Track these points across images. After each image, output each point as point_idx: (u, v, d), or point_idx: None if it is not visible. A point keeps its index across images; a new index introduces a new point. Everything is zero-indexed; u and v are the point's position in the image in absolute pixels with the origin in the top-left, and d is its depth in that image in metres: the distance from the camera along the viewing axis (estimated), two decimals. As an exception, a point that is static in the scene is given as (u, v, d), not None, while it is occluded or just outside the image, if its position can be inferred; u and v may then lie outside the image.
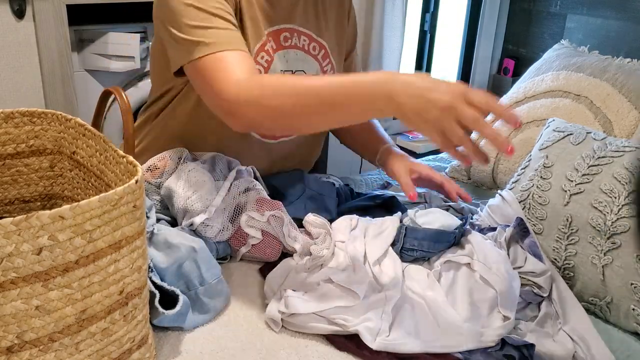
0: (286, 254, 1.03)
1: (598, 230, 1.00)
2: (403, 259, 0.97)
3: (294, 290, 0.90)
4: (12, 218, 0.57)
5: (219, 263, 0.96)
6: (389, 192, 1.34)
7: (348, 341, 0.84)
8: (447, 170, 1.65)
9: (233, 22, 1.00)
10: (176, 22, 0.97)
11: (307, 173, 1.29)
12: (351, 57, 1.33)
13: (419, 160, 1.64)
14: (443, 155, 1.81)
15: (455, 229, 1.00)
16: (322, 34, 1.19)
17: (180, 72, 1.01)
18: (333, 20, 1.23)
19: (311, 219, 1.03)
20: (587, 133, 1.14)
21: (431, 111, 0.76)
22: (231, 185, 1.03)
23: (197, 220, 0.96)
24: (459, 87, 0.77)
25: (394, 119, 2.28)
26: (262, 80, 0.95)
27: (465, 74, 2.49)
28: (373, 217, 1.24)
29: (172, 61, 1.02)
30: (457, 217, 1.31)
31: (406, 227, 1.00)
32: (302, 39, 1.15)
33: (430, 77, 0.81)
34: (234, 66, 0.94)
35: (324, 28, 1.20)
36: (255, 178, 1.11)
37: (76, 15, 1.56)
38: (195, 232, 0.98)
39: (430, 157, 1.79)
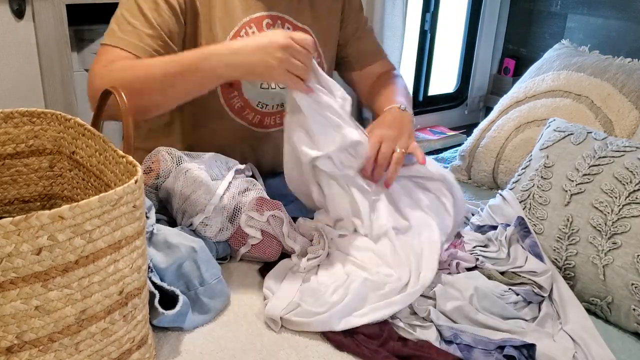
0: (286, 254, 1.03)
1: (599, 230, 1.00)
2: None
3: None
4: (11, 218, 0.56)
5: (219, 263, 0.96)
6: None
7: (348, 341, 0.84)
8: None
9: (159, 28, 1.02)
10: (119, 8, 1.04)
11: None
12: (358, 34, 1.32)
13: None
14: (443, 155, 1.81)
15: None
16: (307, 21, 1.18)
17: None
18: (324, 7, 1.22)
19: (301, 222, 1.03)
20: (588, 133, 1.14)
21: (274, 53, 0.88)
22: (230, 184, 1.03)
23: (196, 220, 0.96)
24: (283, 31, 0.92)
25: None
26: (115, 65, 0.98)
27: (465, 74, 2.48)
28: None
29: None
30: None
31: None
32: (287, 26, 1.15)
33: (256, 35, 0.94)
34: (109, 59, 0.99)
35: (309, 15, 1.19)
36: (254, 177, 1.11)
37: (76, 15, 1.56)
38: (194, 232, 0.97)
39: (431, 157, 1.79)
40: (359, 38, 1.32)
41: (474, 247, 1.04)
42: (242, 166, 1.10)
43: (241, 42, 0.93)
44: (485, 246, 1.05)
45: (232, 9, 1.09)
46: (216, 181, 1.03)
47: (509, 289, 0.96)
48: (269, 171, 1.24)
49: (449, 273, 1.00)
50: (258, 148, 1.22)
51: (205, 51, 0.95)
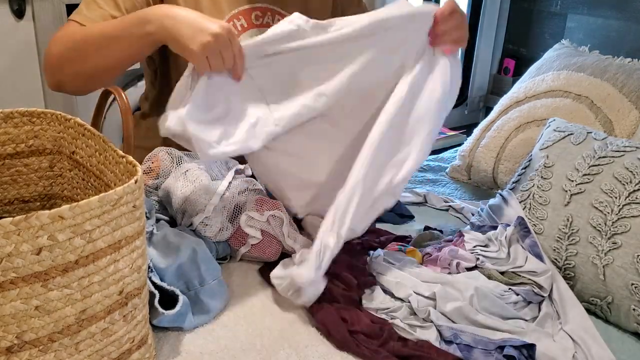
0: (285, 254, 1.03)
1: (599, 230, 1.00)
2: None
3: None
4: (11, 218, 0.56)
5: (219, 263, 0.96)
6: (389, 192, 1.34)
7: (348, 341, 0.84)
8: (447, 171, 1.65)
9: (122, 8, 1.02)
10: None
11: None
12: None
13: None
14: (443, 155, 1.81)
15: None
16: (296, 11, 1.17)
17: None
18: (314, 1, 1.21)
19: (309, 219, 1.03)
20: (588, 133, 1.14)
21: (204, 36, 0.87)
22: (230, 184, 1.03)
23: (196, 219, 0.96)
24: (228, 25, 0.90)
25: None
26: (63, 32, 1.00)
27: (465, 74, 2.48)
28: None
29: None
30: (456, 216, 1.31)
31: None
32: (277, 18, 1.14)
33: (204, 15, 0.92)
34: (69, 32, 0.99)
35: (299, 6, 1.18)
36: (254, 177, 1.11)
37: (76, 15, 1.56)
38: (194, 232, 0.97)
39: (431, 157, 1.79)
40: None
41: (474, 246, 1.04)
42: (242, 166, 1.10)
43: (185, 13, 0.92)
44: (485, 246, 1.05)
45: (218, 1, 1.09)
46: (216, 181, 1.03)
47: (509, 289, 0.96)
48: None
49: (449, 273, 1.00)
50: None
51: (146, 11, 0.95)
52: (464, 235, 1.07)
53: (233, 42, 0.90)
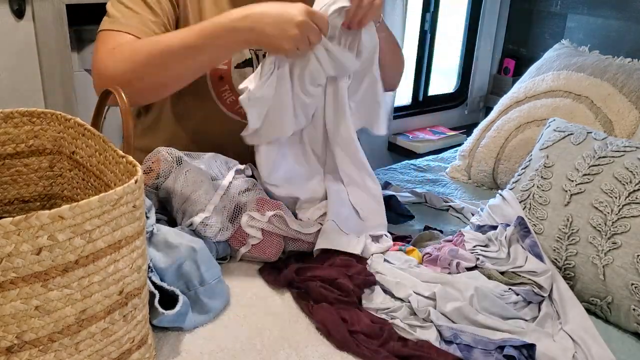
0: (285, 254, 1.03)
1: (598, 230, 1.00)
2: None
3: None
4: (11, 218, 0.56)
5: (219, 263, 0.96)
6: (389, 192, 1.34)
7: (348, 341, 0.84)
8: (447, 170, 1.65)
9: (159, 14, 1.02)
10: None
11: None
12: None
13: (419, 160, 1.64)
14: (443, 155, 1.81)
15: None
16: None
17: None
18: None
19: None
20: (588, 133, 1.14)
21: (291, 29, 0.90)
22: (230, 184, 1.03)
23: (197, 219, 0.96)
24: (305, 6, 0.91)
25: (394, 118, 2.28)
26: (125, 45, 0.97)
27: (465, 74, 2.48)
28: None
29: None
30: (456, 216, 1.31)
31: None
32: None
33: (277, 3, 0.93)
34: (117, 42, 0.98)
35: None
36: (254, 177, 1.11)
37: (76, 15, 1.56)
38: (195, 232, 0.97)
39: (431, 157, 1.79)
40: None
41: (474, 246, 1.04)
42: (242, 166, 1.10)
43: (260, 9, 0.92)
44: (485, 246, 1.05)
45: (221, 2, 1.09)
46: (216, 181, 1.03)
47: (509, 289, 0.96)
48: None
49: (449, 272, 1.00)
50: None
51: (227, 18, 0.93)
52: (464, 235, 1.07)
53: (316, 21, 0.91)
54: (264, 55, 1.12)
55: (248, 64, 1.13)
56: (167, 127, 1.18)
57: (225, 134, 1.15)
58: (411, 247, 1.07)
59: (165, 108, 1.17)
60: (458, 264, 1.00)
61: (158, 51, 0.94)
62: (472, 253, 1.03)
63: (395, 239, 1.13)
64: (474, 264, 1.02)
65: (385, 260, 1.02)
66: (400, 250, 1.06)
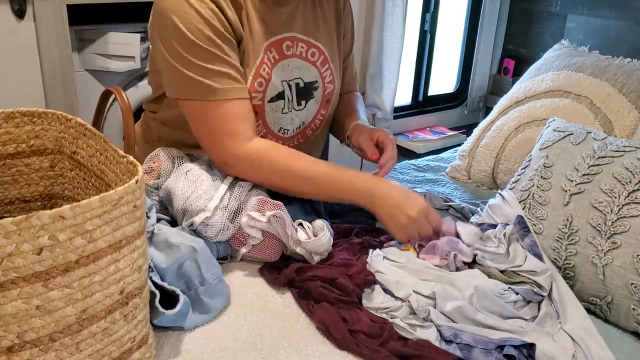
0: (285, 254, 1.03)
1: (598, 230, 1.00)
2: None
3: None
4: (12, 218, 0.57)
5: (220, 263, 0.96)
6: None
7: (348, 340, 0.84)
8: (447, 170, 1.65)
9: (233, 54, 1.02)
10: (176, 52, 0.98)
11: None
12: (348, 60, 1.32)
13: (419, 160, 1.64)
14: (443, 155, 1.81)
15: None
16: (320, 39, 1.18)
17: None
18: (331, 23, 1.22)
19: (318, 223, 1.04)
20: (588, 133, 1.14)
21: (401, 219, 1.02)
22: (231, 184, 1.03)
23: (197, 219, 0.96)
24: (423, 204, 1.03)
25: (394, 118, 2.28)
26: (264, 157, 1.04)
27: (465, 74, 2.49)
28: (373, 216, 1.24)
29: (167, 87, 1.05)
30: (456, 216, 1.31)
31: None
32: (300, 45, 1.14)
33: (405, 189, 1.05)
34: (238, 122, 1.03)
35: (322, 33, 1.18)
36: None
37: (76, 15, 1.56)
38: (195, 232, 0.98)
39: (431, 157, 1.79)
40: (345, 68, 1.32)
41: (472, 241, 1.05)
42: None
43: (387, 190, 1.03)
44: (481, 239, 1.05)
45: (256, 33, 1.07)
46: (217, 181, 1.03)
47: (509, 288, 0.96)
48: None
49: (447, 264, 1.00)
50: None
51: (355, 187, 1.04)
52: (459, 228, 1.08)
53: (430, 219, 1.03)
54: (297, 85, 1.14)
55: (280, 97, 1.12)
56: (176, 139, 1.18)
57: None
58: (407, 246, 1.06)
59: (174, 124, 1.16)
60: (455, 256, 1.01)
61: (289, 181, 1.05)
62: (469, 247, 1.03)
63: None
64: (470, 259, 1.02)
65: (385, 258, 1.02)
66: (395, 246, 1.06)
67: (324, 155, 2.06)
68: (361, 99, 1.39)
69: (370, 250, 1.04)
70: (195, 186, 0.99)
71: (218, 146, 1.03)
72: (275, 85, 1.10)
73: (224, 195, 1.01)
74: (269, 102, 1.11)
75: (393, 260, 1.01)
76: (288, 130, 1.17)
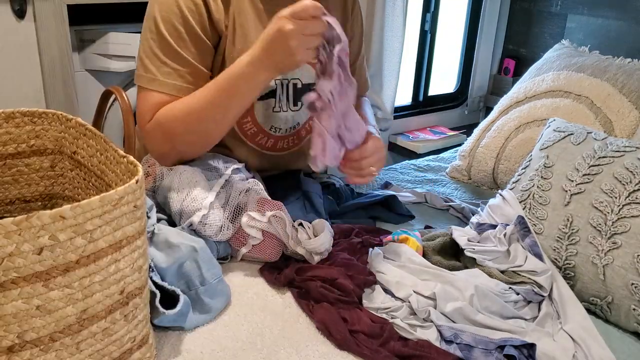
0: (285, 254, 1.03)
1: (598, 230, 1.00)
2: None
3: None
4: (12, 218, 0.57)
5: (220, 263, 0.96)
6: (389, 192, 1.34)
7: (349, 340, 0.84)
8: (447, 170, 1.65)
9: (195, 57, 1.03)
10: (147, 41, 1.03)
11: (303, 174, 1.28)
12: (355, 65, 1.31)
13: (418, 160, 1.64)
14: (444, 155, 1.81)
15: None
16: None
17: None
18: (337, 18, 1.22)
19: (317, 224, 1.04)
20: (588, 133, 1.14)
21: (292, 44, 0.87)
22: (226, 182, 1.03)
23: (195, 218, 0.96)
24: (282, 14, 0.87)
25: (394, 118, 2.28)
26: (158, 116, 1.01)
27: (465, 74, 2.48)
28: (374, 216, 1.25)
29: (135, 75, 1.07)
30: (457, 216, 1.31)
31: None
32: None
33: (266, 30, 0.90)
34: (154, 109, 1.02)
35: None
36: (254, 177, 1.11)
37: (77, 15, 1.56)
38: (195, 232, 0.98)
39: (431, 157, 1.79)
40: (354, 70, 1.31)
41: (468, 240, 1.05)
42: (240, 165, 1.10)
43: (259, 47, 0.92)
44: (479, 242, 1.06)
45: (250, 30, 1.07)
46: (212, 181, 1.03)
47: (509, 287, 0.96)
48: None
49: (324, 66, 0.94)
50: (270, 169, 1.23)
51: (238, 67, 0.95)
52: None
53: (300, 16, 0.87)
54: (294, 86, 1.14)
55: (271, 95, 1.13)
56: None
57: (243, 159, 1.15)
58: (404, 235, 1.06)
59: None
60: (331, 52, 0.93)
61: (192, 120, 0.99)
62: (465, 249, 1.03)
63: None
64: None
65: (385, 257, 1.02)
66: (393, 241, 1.06)
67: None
68: (369, 103, 1.39)
69: (370, 250, 1.04)
70: (190, 187, 0.99)
71: (139, 126, 1.04)
72: (270, 84, 1.10)
73: (220, 191, 1.00)
74: (258, 99, 1.11)
75: (393, 260, 1.01)
76: (280, 129, 1.17)
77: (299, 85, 1.15)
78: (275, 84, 1.12)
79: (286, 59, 0.89)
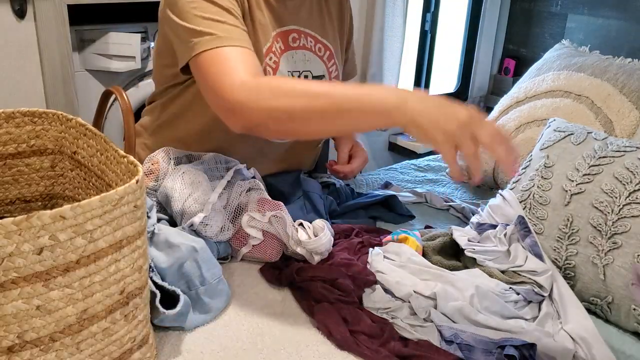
0: (286, 254, 1.03)
1: (599, 230, 1.00)
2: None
3: None
4: (13, 218, 0.57)
5: (220, 263, 0.96)
6: (390, 192, 1.34)
7: (349, 341, 0.84)
8: (447, 170, 1.65)
9: (241, 21, 0.99)
10: (185, 13, 0.94)
11: (303, 173, 1.29)
12: (347, 54, 1.33)
13: (419, 160, 1.64)
14: (444, 155, 1.81)
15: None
16: (326, 35, 1.19)
17: (186, 70, 0.99)
18: (335, 20, 1.23)
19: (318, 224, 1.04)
20: (588, 133, 1.14)
21: (450, 122, 0.77)
22: (228, 183, 1.03)
23: (196, 219, 0.96)
24: (474, 108, 0.79)
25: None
26: (271, 81, 0.93)
27: (466, 74, 2.48)
28: (374, 216, 1.25)
29: (178, 56, 0.99)
30: (457, 216, 1.31)
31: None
32: (309, 40, 1.15)
33: (440, 98, 0.82)
34: (239, 64, 0.91)
35: (328, 29, 1.19)
36: (254, 177, 1.11)
37: (77, 15, 1.56)
38: (195, 232, 0.98)
39: (431, 157, 1.79)
40: (345, 60, 1.33)
41: (468, 240, 1.05)
42: (242, 166, 1.10)
43: (420, 97, 0.82)
44: (479, 242, 1.05)
45: (266, 19, 1.07)
46: (214, 182, 1.03)
47: (510, 287, 0.96)
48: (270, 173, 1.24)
49: None
50: (267, 155, 1.22)
51: (383, 97, 0.83)
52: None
53: (479, 127, 0.78)
54: (305, 78, 1.13)
55: None
56: (180, 126, 1.17)
57: (243, 156, 1.14)
58: (404, 235, 1.06)
59: (174, 116, 1.16)
60: None
61: (304, 101, 0.86)
62: (465, 249, 1.03)
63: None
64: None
65: (385, 257, 1.02)
66: (392, 240, 1.06)
67: (325, 155, 2.06)
68: None
69: (370, 250, 1.04)
70: (192, 188, 0.99)
71: (219, 96, 0.90)
72: (283, 74, 1.10)
73: (222, 194, 1.00)
74: None
75: (393, 260, 1.01)
76: None
77: (310, 78, 1.15)
78: (289, 76, 1.12)
79: (430, 129, 0.79)
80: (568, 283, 1.01)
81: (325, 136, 0.93)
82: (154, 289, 0.80)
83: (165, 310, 0.80)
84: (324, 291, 0.91)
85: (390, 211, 1.27)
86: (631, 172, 1.02)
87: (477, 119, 0.78)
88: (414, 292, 0.93)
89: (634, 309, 0.95)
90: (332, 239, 1.02)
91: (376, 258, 1.01)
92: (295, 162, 1.25)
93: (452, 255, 1.08)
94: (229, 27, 0.94)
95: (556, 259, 1.05)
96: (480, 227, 1.10)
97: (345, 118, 0.86)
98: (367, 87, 0.88)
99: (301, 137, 1.02)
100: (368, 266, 1.00)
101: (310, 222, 1.03)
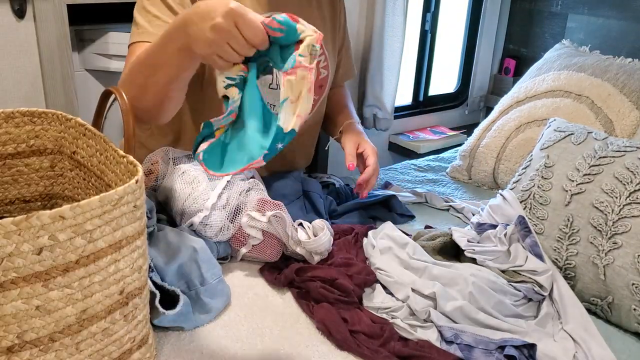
0: (285, 254, 1.03)
1: (599, 230, 1.00)
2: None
3: None
4: (12, 218, 0.56)
5: (220, 263, 0.96)
6: (389, 192, 1.34)
7: (349, 341, 0.84)
8: (448, 170, 1.65)
9: None
10: (141, 1, 1.01)
11: (303, 173, 1.29)
12: (342, 52, 1.33)
13: (417, 160, 1.64)
14: (444, 155, 1.81)
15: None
16: (316, 23, 1.18)
17: None
18: (327, 12, 1.22)
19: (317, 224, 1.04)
20: (588, 133, 1.14)
21: (207, 31, 0.74)
22: (228, 183, 1.03)
23: (196, 219, 0.96)
24: (233, 5, 0.74)
25: (395, 118, 2.28)
26: (130, 68, 0.94)
27: (466, 74, 2.48)
28: (374, 216, 1.25)
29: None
30: (457, 216, 1.31)
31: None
32: None
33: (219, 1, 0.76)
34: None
35: (315, 16, 1.19)
36: (254, 177, 1.11)
37: (77, 15, 1.56)
38: (195, 232, 0.97)
39: (431, 157, 1.79)
40: (341, 58, 1.33)
41: (468, 241, 1.05)
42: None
43: (194, 8, 0.79)
44: (479, 242, 1.05)
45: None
46: (214, 181, 1.03)
47: (510, 284, 0.96)
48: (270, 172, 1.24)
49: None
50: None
51: (177, 19, 0.82)
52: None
53: (241, 28, 0.73)
54: None
55: (269, 71, 1.09)
56: (180, 139, 1.17)
57: None
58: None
59: (180, 120, 1.16)
60: None
61: (136, 66, 0.91)
62: (465, 251, 1.03)
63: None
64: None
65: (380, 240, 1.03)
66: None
67: (325, 155, 2.06)
68: (349, 95, 1.42)
69: (365, 240, 1.05)
70: (192, 188, 0.99)
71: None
72: None
73: (221, 194, 1.00)
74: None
75: (390, 247, 1.02)
76: (275, 106, 1.17)
77: None
78: None
79: (194, 41, 0.77)
80: (568, 283, 1.01)
81: (175, 86, 0.89)
82: (153, 289, 0.80)
83: (165, 311, 0.80)
84: (324, 291, 0.91)
85: (390, 211, 1.27)
86: (631, 172, 1.02)
87: (230, 25, 0.73)
88: (412, 290, 0.93)
89: (634, 309, 0.95)
90: (332, 239, 1.02)
91: (374, 253, 1.01)
92: (287, 162, 1.26)
93: (452, 255, 1.08)
94: (160, 23, 0.98)
95: (556, 259, 1.04)
96: (481, 227, 1.10)
97: (161, 64, 0.86)
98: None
99: (160, 100, 0.93)
100: (367, 262, 1.00)
101: (310, 222, 1.03)
